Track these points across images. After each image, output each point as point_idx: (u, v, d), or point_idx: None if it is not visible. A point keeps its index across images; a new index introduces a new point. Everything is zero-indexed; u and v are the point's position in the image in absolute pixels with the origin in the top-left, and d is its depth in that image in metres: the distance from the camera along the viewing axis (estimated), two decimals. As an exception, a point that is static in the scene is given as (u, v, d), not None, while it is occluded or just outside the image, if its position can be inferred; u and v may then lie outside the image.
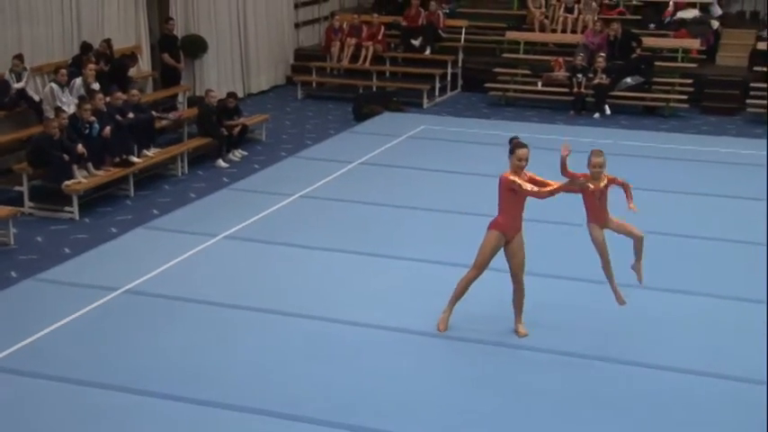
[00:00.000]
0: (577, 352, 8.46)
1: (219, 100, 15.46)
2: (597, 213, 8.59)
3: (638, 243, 8.71)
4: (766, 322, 8.85)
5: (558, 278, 9.95)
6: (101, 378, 7.93)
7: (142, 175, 13.76)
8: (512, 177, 8.35)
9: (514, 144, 8.41)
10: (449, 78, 20.10)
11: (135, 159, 13.55)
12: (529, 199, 8.47)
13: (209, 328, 8.92)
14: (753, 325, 9.02)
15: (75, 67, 14.52)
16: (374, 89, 19.52)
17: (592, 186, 8.46)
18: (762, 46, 18.68)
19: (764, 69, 18.15)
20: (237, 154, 15.22)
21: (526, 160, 8.36)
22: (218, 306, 9.38)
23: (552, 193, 8.39)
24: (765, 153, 14.58)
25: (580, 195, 8.53)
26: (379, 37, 20.19)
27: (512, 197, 8.44)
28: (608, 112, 18.04)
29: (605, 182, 8.55)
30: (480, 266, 8.72)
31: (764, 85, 17.89)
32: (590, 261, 8.97)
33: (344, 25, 20.38)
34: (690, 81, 18.47)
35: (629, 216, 8.80)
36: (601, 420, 7.42)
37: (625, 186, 8.74)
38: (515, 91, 19.22)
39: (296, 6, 21.39)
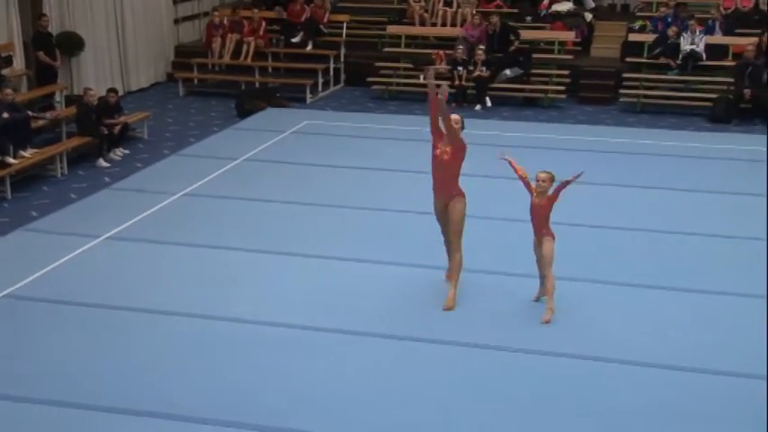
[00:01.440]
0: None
1: (100, 97, 15.11)
2: (535, 226, 9.05)
3: (550, 288, 8.91)
4: (766, 318, 8.89)
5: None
6: (-20, 387, 7.66)
7: (19, 177, 13.33)
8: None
9: None
10: (331, 73, 20.07)
11: (11, 160, 13.11)
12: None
13: (93, 331, 8.70)
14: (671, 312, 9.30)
15: (-56, 66, 13.97)
16: (257, 85, 19.37)
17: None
18: (633, 37, 19.22)
19: (636, 60, 18.69)
20: (119, 153, 14.89)
21: (456, 122, 8.97)
22: (102, 308, 9.15)
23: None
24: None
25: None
26: (261, 32, 20.03)
27: (433, 161, 9.07)
28: (489, 103, 18.29)
29: (546, 200, 8.96)
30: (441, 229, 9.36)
31: (636, 75, 18.43)
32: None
33: (225, 21, 20.15)
34: (566, 72, 18.87)
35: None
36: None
37: (566, 183, 9.01)
38: (398, 84, 19.31)
39: (175, 2, 21.02)
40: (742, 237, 11.05)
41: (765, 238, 10.80)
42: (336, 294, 9.52)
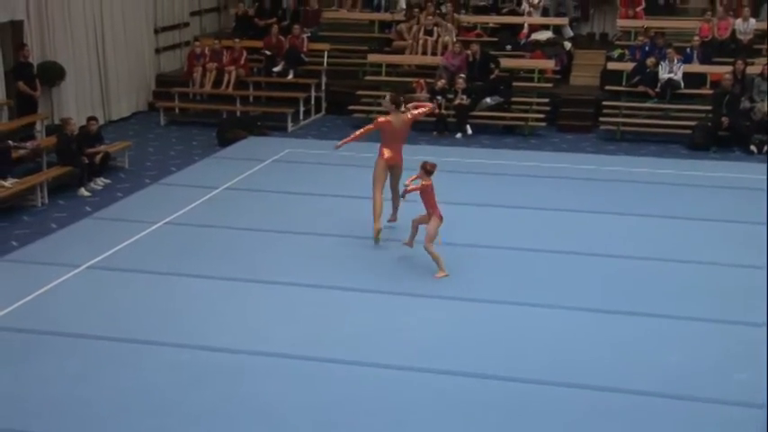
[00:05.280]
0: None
1: (81, 126, 15.13)
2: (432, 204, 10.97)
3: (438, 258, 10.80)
4: (767, 343, 8.93)
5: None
6: (-41, 418, 7.62)
7: (-1, 207, 13.33)
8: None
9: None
10: (312, 102, 20.16)
11: (-9, 190, 13.11)
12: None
13: (75, 362, 8.67)
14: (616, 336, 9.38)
15: (-75, 96, 13.93)
16: (238, 114, 19.43)
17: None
18: (612, 66, 19.41)
19: (615, 88, 18.86)
20: (100, 182, 14.89)
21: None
22: (84, 338, 9.13)
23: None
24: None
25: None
26: (242, 62, 20.11)
27: (389, 134, 11.84)
28: (469, 132, 18.39)
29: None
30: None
31: (616, 104, 18.60)
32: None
33: (206, 50, 20.23)
34: (546, 100, 19.02)
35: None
36: None
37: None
38: (379, 113, 19.35)
39: (156, 32, 21.11)
40: (724, 264, 11.13)
41: (760, 265, 10.86)
42: (315, 323, 9.54)
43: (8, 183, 13.56)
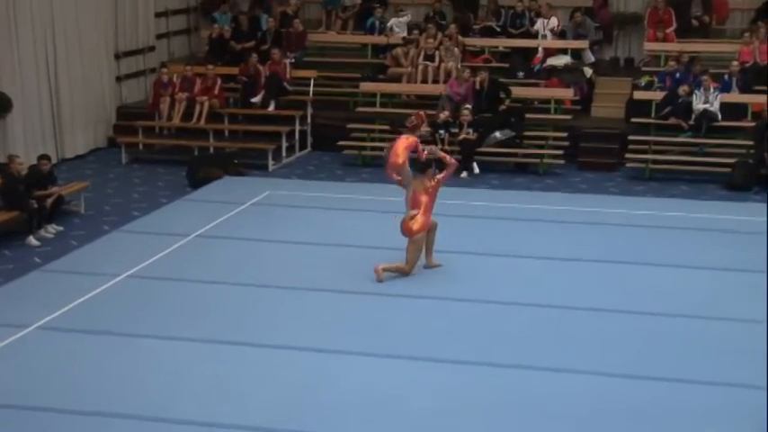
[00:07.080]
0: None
1: (31, 165, 15.18)
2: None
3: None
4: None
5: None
6: None
7: (-65, 258, 13.38)
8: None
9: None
10: (297, 136, 20.24)
11: (-74, 239, 13.14)
12: None
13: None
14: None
15: None
16: (211, 150, 19.52)
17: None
18: (639, 95, 19.53)
19: (643, 121, 18.98)
20: (51, 229, 14.93)
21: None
22: (31, 410, 9.11)
23: None
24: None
25: None
26: (216, 91, 20.23)
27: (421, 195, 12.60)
28: (477, 170, 18.45)
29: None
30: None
31: (644, 138, 18.69)
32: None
33: (175, 78, 20.35)
34: (564, 134, 19.10)
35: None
36: None
37: None
38: (372, 149, 19.47)
39: (117, 57, 21.25)
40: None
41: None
42: (295, 390, 9.52)
43: (-54, 230, 13.62)
